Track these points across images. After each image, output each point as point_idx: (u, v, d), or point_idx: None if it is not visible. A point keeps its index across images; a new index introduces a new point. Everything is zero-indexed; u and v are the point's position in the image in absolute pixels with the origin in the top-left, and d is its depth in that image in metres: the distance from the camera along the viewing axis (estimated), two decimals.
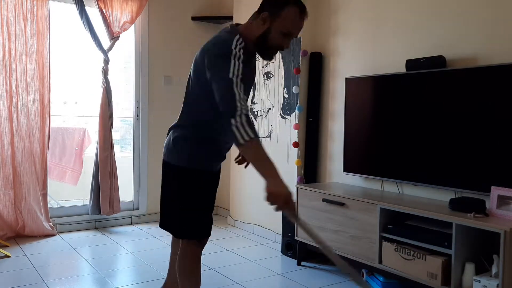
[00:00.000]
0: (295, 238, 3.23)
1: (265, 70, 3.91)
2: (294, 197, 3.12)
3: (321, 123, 3.60)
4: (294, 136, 3.60)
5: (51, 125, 3.88)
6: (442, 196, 2.76)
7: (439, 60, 2.68)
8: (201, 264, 3.16)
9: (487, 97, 2.44)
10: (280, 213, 3.75)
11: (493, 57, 2.52)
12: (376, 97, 3.02)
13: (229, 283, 2.83)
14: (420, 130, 2.75)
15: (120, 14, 4.04)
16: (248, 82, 1.88)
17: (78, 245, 3.58)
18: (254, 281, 2.89)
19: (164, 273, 3.00)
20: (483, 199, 2.37)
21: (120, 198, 4.11)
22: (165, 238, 3.82)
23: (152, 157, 4.41)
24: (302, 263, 3.25)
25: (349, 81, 3.21)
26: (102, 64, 4.00)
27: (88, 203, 4.09)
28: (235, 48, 1.71)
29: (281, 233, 3.63)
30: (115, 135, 4.37)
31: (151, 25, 4.35)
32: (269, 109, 3.87)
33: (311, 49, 3.62)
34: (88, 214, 4.09)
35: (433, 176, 2.69)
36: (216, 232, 4.06)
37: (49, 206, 3.90)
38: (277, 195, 1.55)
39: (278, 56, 3.77)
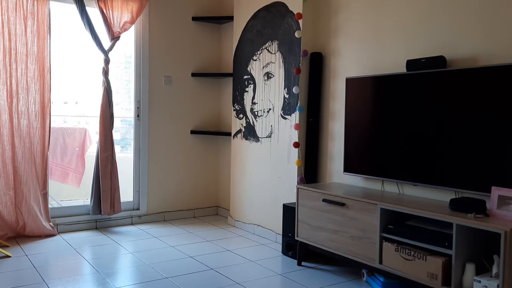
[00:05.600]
0: (296, 238, 3.23)
1: (266, 70, 3.91)
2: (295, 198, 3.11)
3: (322, 123, 3.60)
4: (294, 136, 3.61)
5: (52, 125, 3.88)
6: (442, 196, 2.76)
7: (439, 60, 2.68)
8: (202, 264, 3.17)
9: (487, 97, 2.44)
10: (280, 213, 3.76)
11: (493, 57, 2.52)
12: (377, 97, 3.02)
13: (229, 283, 2.84)
14: (420, 130, 2.75)
15: (121, 14, 4.04)
16: None
17: (79, 245, 3.59)
18: (254, 281, 2.89)
19: (165, 273, 3.01)
20: (484, 199, 2.37)
21: (120, 198, 4.11)
22: (166, 238, 3.83)
23: (153, 157, 4.41)
24: (303, 263, 3.25)
25: (349, 81, 3.21)
26: (102, 64, 4.00)
27: (89, 203, 4.10)
28: None
29: (281, 233, 3.63)
30: (116, 135, 4.38)
31: (151, 25, 4.36)
32: (270, 109, 3.87)
33: (312, 49, 3.62)
34: (89, 214, 4.10)
35: (433, 176, 2.69)
36: (216, 232, 4.07)
37: (49, 206, 3.90)
38: None
39: (278, 56, 3.77)
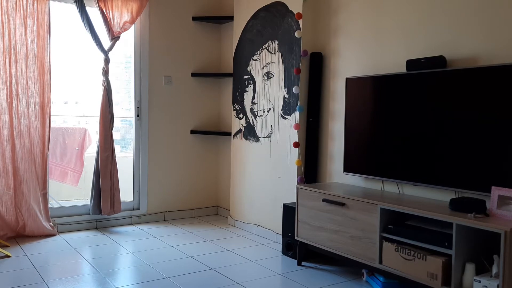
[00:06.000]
0: (296, 238, 3.23)
1: (266, 70, 3.91)
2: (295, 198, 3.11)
3: (322, 123, 3.60)
4: (294, 136, 3.61)
5: (52, 125, 3.88)
6: (442, 196, 2.76)
7: (439, 60, 2.68)
8: (202, 264, 3.16)
9: (487, 97, 2.44)
10: (280, 213, 3.76)
11: (493, 57, 2.52)
12: (376, 97, 3.02)
13: (229, 283, 2.84)
14: (420, 130, 2.75)
15: (121, 14, 4.04)
16: None
17: (79, 245, 3.59)
18: (254, 281, 2.89)
19: (165, 273, 3.01)
20: (484, 199, 2.37)
21: (120, 198, 4.11)
22: (166, 238, 3.83)
23: (153, 157, 4.41)
24: (303, 263, 3.25)
25: (349, 81, 3.21)
26: (102, 64, 4.00)
27: (89, 203, 4.10)
28: None
29: (281, 233, 3.63)
30: (116, 135, 4.37)
31: (151, 25, 4.35)
32: (270, 109, 3.87)
33: (312, 49, 3.62)
34: (89, 214, 4.10)
35: (433, 176, 2.69)
36: (216, 232, 4.07)
37: (49, 206, 3.90)
38: None
39: (278, 56, 3.77)
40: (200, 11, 4.64)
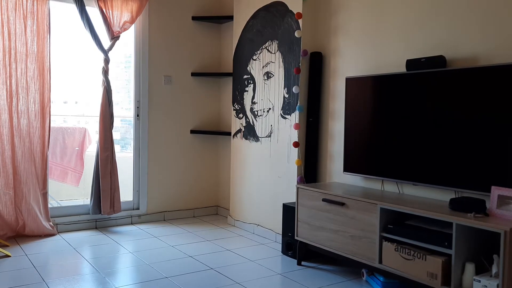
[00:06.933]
0: (295, 238, 3.23)
1: (265, 70, 3.91)
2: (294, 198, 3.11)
3: (321, 123, 3.60)
4: (294, 136, 3.61)
5: (52, 125, 3.88)
6: (442, 196, 2.76)
7: (439, 60, 2.68)
8: (201, 264, 3.16)
9: (487, 97, 2.44)
10: (280, 213, 3.76)
11: (493, 57, 2.52)
12: (376, 97, 3.02)
13: (229, 283, 2.84)
14: (420, 130, 2.75)
15: (121, 14, 4.04)
16: None
17: (79, 245, 3.59)
18: (254, 281, 2.89)
19: (164, 272, 3.01)
20: (483, 199, 2.37)
21: (120, 198, 4.11)
22: (166, 238, 3.83)
23: (153, 157, 4.41)
24: (302, 263, 3.25)
25: (349, 81, 3.21)
26: (102, 64, 4.00)
27: (89, 203, 4.10)
28: None
29: (281, 233, 3.63)
30: (116, 135, 4.37)
31: (151, 25, 4.35)
32: (269, 109, 3.87)
33: (311, 49, 3.62)
34: (89, 213, 4.10)
35: (433, 176, 2.69)
36: (216, 232, 4.07)
37: (49, 205, 3.90)
38: None
39: (278, 56, 3.77)
40: (200, 10, 4.64)
